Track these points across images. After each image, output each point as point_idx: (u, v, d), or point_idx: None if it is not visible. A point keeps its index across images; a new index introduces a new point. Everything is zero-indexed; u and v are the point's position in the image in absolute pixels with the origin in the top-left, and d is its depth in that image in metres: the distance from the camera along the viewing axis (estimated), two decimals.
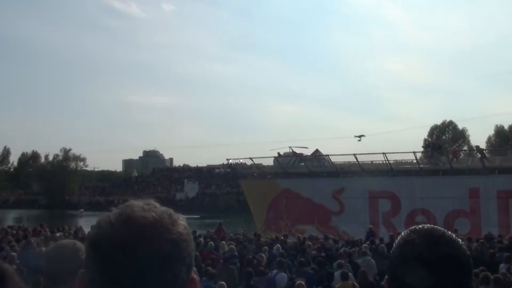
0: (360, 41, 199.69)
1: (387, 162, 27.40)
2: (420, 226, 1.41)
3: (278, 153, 30.97)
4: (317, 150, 32.95)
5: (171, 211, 1.05)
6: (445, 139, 75.63)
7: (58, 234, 18.13)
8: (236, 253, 13.91)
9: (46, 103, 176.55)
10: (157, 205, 1.05)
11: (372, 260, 12.39)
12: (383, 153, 27.38)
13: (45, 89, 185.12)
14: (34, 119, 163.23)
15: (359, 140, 32.71)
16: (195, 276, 1.05)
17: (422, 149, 28.31)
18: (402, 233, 1.41)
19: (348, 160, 29.13)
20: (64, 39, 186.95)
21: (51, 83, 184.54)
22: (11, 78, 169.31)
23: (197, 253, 13.57)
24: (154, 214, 1.00)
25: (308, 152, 32.90)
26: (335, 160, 28.94)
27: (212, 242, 15.23)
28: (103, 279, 0.96)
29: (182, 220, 1.05)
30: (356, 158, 27.52)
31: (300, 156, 31.47)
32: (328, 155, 29.49)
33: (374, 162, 29.14)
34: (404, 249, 1.35)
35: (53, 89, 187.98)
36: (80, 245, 2.62)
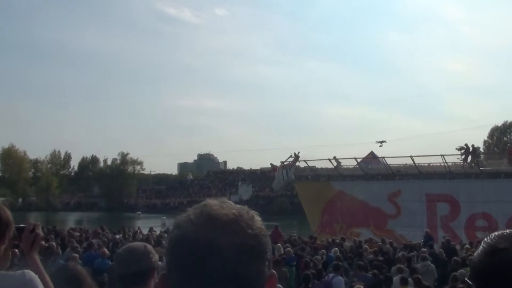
0: (417, 41, 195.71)
1: (445, 164, 26.69)
2: (507, 231, 1.29)
3: (334, 157, 30.66)
4: (371, 153, 32.49)
5: (246, 207, 1.07)
6: (506, 140, 73.04)
7: (118, 236, 18.65)
8: (293, 255, 13.91)
9: (103, 109, 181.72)
10: (232, 203, 1.08)
11: (432, 265, 12.10)
12: (441, 155, 26.69)
13: (102, 96, 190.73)
14: (93, 125, 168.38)
15: (380, 146, 32.26)
16: (274, 271, 1.06)
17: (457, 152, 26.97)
18: (487, 239, 1.30)
19: (404, 162, 28.55)
20: (119, 46, 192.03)
21: (107, 89, 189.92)
22: (69, 86, 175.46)
23: None
24: (233, 211, 1.03)
25: (362, 155, 32.48)
26: (391, 163, 28.42)
27: None
28: (190, 279, 0.98)
29: (258, 216, 1.07)
30: (413, 160, 26.91)
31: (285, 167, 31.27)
32: (383, 157, 29.00)
33: (432, 164, 28.44)
34: (496, 259, 1.22)
35: (110, 96, 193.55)
36: (151, 248, 2.70)
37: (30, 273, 2.29)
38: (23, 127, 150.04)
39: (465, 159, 26.85)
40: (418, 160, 27.24)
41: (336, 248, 14.90)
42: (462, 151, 26.77)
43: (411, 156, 27.05)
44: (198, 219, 1.01)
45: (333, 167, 29.97)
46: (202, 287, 0.97)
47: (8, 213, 2.35)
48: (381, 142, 32.39)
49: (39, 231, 2.61)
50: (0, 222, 2.30)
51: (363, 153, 33.36)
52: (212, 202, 1.06)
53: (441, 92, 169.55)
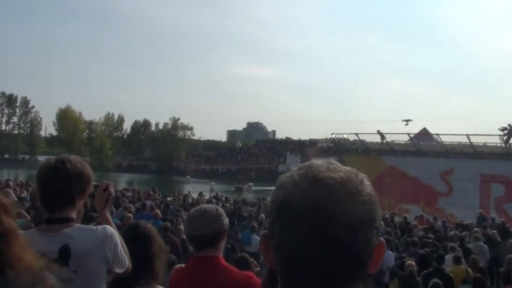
0: (478, 15, 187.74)
1: (502, 144, 25.83)
2: None
3: (378, 131, 30.15)
4: (424, 129, 31.78)
5: (355, 170, 1.01)
6: None
7: (169, 198, 19.08)
8: None
9: (157, 75, 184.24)
10: (340, 164, 1.01)
11: (484, 245, 11.84)
12: (499, 135, 25.83)
13: (156, 61, 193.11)
14: (145, 90, 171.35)
15: (406, 125, 31.42)
16: (383, 239, 1.01)
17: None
18: None
19: (459, 140, 27.80)
20: (172, 13, 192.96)
21: (160, 55, 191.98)
22: (123, 51, 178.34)
23: None
24: (341, 174, 0.97)
25: (414, 130, 31.84)
26: (445, 140, 27.72)
27: None
28: (294, 242, 0.94)
29: (368, 181, 1.01)
30: (469, 139, 26.18)
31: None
32: (438, 134, 28.31)
33: (488, 144, 27.59)
34: None
35: (162, 62, 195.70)
36: (222, 210, 2.76)
37: (111, 228, 2.42)
38: (79, 89, 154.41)
39: (507, 141, 25.98)
40: (474, 139, 26.51)
41: (382, 222, 14.78)
42: (505, 131, 25.87)
43: (467, 135, 26.33)
44: (303, 181, 0.96)
45: (384, 142, 29.58)
46: (304, 251, 0.93)
47: (90, 170, 2.49)
48: (407, 120, 31.83)
49: (112, 190, 2.72)
50: (82, 178, 2.43)
51: (415, 129, 32.74)
52: (318, 163, 1.00)
53: (501, 68, 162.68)
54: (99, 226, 2.44)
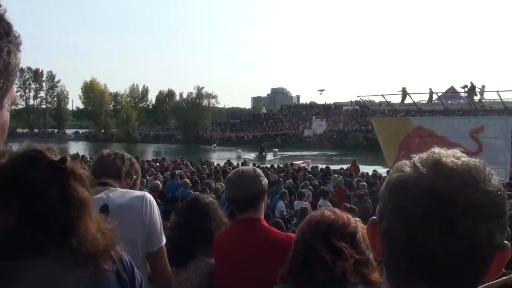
0: None
1: None
2: None
3: (403, 89, 29.56)
4: (452, 87, 31.13)
5: (483, 162, 0.91)
6: None
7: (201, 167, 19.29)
8: (367, 190, 13.81)
9: (180, 44, 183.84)
10: (465, 155, 0.92)
11: None
12: None
13: (178, 30, 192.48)
14: (169, 59, 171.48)
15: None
16: (508, 244, 0.89)
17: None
18: None
19: (489, 98, 27.21)
20: None
21: (181, 22, 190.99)
22: (152, 22, 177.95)
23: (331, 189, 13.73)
24: (466, 161, 0.89)
25: (441, 90, 31.21)
26: (475, 97, 27.15)
27: (340, 177, 15.23)
28: (405, 227, 0.87)
29: (496, 176, 0.90)
30: (499, 95, 25.59)
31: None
32: (466, 92, 27.70)
33: None
34: None
35: (185, 30, 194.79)
36: (260, 171, 2.76)
37: (149, 195, 2.63)
38: (104, 61, 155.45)
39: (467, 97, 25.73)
40: (504, 96, 25.89)
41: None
42: (466, 88, 25.62)
43: (497, 91, 25.74)
44: (422, 164, 0.90)
45: (411, 101, 29.12)
46: (415, 238, 0.86)
47: (138, 166, 2.98)
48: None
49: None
50: (132, 165, 2.88)
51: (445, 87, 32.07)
52: (442, 150, 0.93)
53: None
54: (139, 191, 2.68)
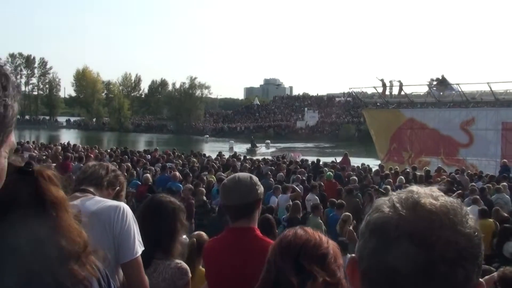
0: None
1: None
2: None
3: (399, 81, 29.60)
4: (443, 77, 31.13)
5: (459, 201, 0.93)
6: None
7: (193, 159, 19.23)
8: (357, 184, 13.80)
9: (174, 34, 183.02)
10: (442, 193, 0.94)
11: (507, 196, 11.70)
12: None
13: (172, 19, 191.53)
14: (163, 48, 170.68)
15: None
16: (483, 281, 0.92)
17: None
18: None
19: (480, 89, 27.21)
20: None
21: (176, 13, 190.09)
22: (146, 11, 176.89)
23: (321, 183, 13.70)
24: (444, 202, 0.90)
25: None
26: (465, 89, 27.19)
27: (330, 172, 15.12)
28: (384, 269, 0.88)
29: (472, 215, 0.92)
30: (490, 87, 25.63)
31: None
32: (458, 84, 27.72)
33: (510, 91, 26.96)
34: None
35: (179, 20, 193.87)
36: (256, 179, 2.71)
37: (125, 206, 2.65)
38: (96, 49, 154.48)
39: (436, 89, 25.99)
40: (495, 87, 25.94)
41: (402, 177, 14.73)
42: (434, 82, 25.89)
43: (487, 83, 25.79)
44: (402, 205, 0.90)
45: (403, 93, 29.11)
46: (394, 279, 0.87)
47: (124, 182, 3.04)
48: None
49: None
50: (116, 177, 2.95)
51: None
52: (420, 189, 0.93)
53: None
54: (114, 202, 2.68)
